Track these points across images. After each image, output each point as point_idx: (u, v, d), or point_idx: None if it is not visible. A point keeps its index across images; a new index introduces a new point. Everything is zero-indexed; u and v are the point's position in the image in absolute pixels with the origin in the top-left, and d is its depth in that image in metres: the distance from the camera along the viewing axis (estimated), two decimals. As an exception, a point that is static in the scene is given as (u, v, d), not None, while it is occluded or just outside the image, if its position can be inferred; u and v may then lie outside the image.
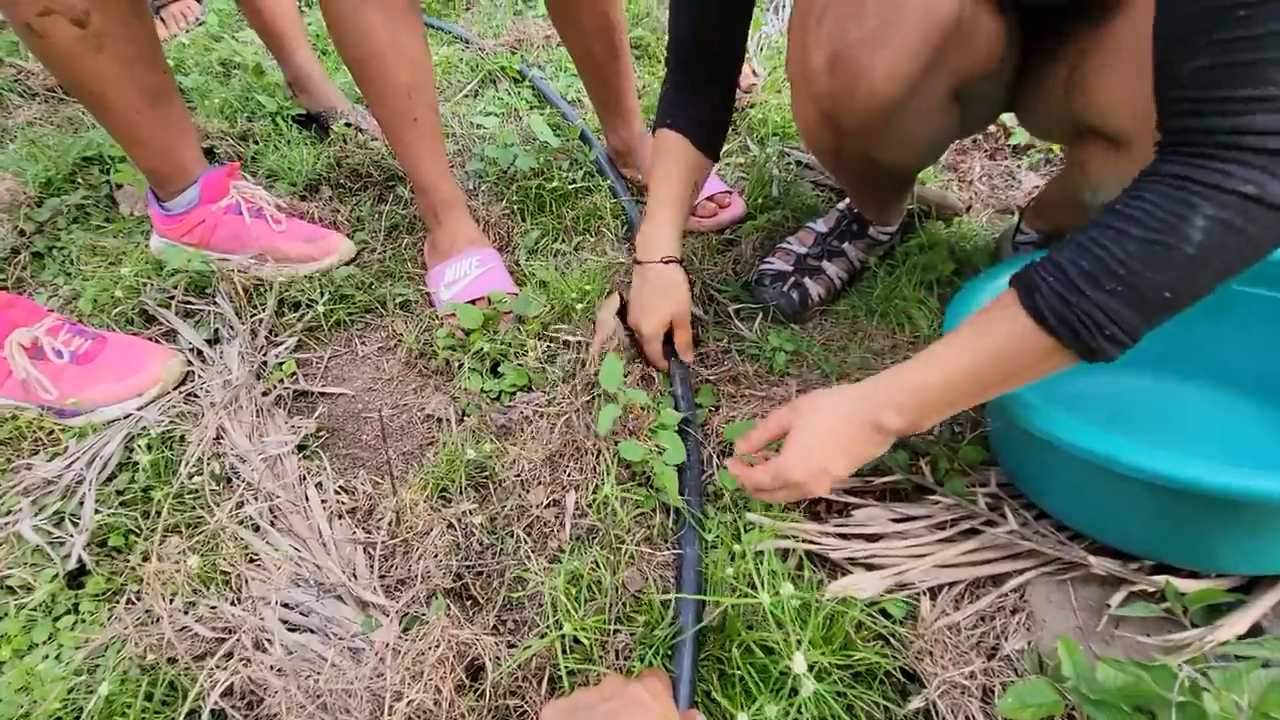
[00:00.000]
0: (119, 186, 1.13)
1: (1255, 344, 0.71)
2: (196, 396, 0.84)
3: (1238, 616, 0.55)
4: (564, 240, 1.05)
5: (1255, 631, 0.55)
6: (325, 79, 1.26)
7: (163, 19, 1.64)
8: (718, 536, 0.66)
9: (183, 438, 0.78)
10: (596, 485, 0.72)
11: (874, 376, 0.56)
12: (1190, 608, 0.56)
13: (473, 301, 0.91)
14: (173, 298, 0.94)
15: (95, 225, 1.09)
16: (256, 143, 1.23)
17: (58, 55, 0.80)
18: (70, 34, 0.78)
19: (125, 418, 0.82)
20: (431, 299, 0.96)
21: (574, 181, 1.11)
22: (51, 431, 0.81)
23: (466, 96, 1.40)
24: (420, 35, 0.87)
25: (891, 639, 0.59)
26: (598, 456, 0.74)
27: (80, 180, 1.15)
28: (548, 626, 0.60)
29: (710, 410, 0.81)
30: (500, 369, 0.86)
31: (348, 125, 1.22)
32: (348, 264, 1.02)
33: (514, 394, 0.83)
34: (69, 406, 0.81)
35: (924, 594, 0.61)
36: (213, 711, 0.57)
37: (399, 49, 0.84)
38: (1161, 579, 0.57)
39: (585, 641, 0.58)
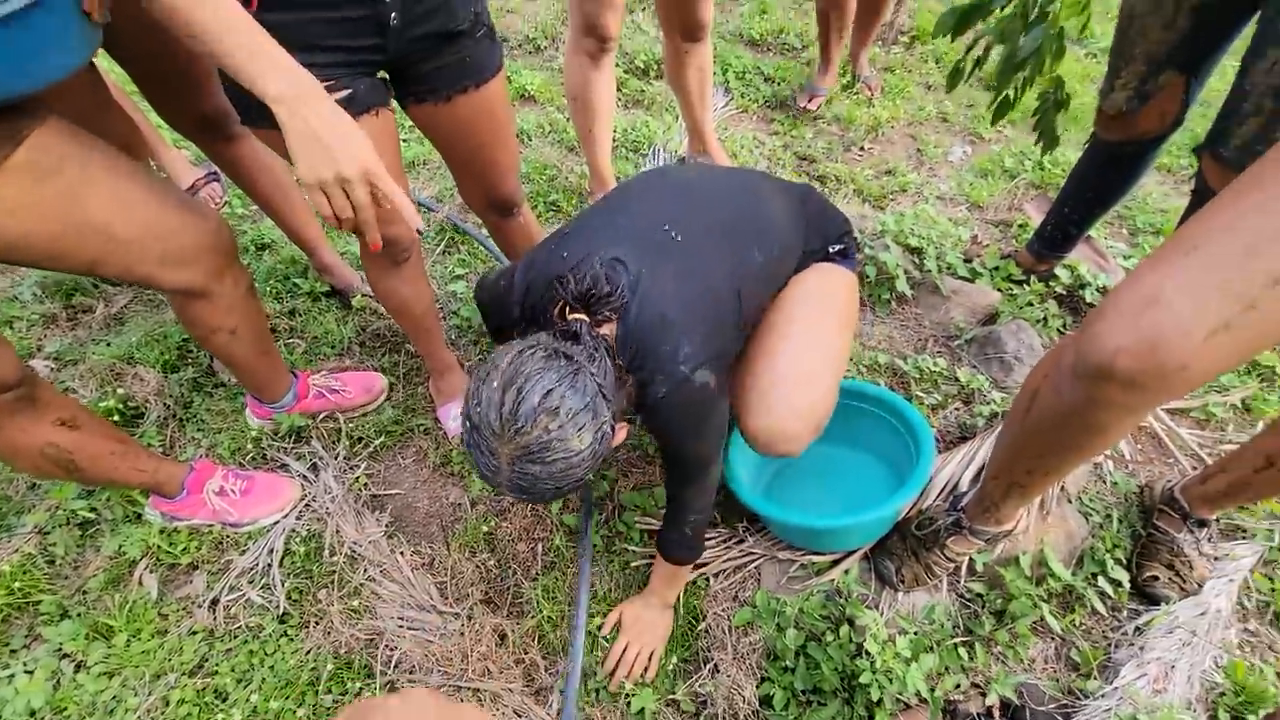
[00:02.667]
0: (211, 358, 1.70)
1: (874, 430, 1.41)
2: (312, 506, 1.45)
3: (836, 571, 1.26)
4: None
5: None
6: (343, 264, 1.84)
7: None
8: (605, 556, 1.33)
9: (318, 534, 1.40)
10: (552, 532, 1.37)
11: (649, 589, 1.21)
12: (817, 568, 1.27)
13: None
14: (283, 445, 1.54)
15: (208, 392, 1.66)
16: (300, 315, 1.81)
17: (200, 338, 1.32)
18: (220, 332, 1.28)
19: (275, 524, 1.42)
20: (442, 426, 1.59)
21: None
22: (230, 539, 1.40)
23: (438, 258, 2.00)
24: (425, 281, 1.48)
25: (697, 586, 1.27)
26: (551, 527, 1.40)
27: (188, 357, 1.71)
28: (535, 611, 1.26)
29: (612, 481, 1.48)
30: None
31: (366, 297, 1.81)
32: (386, 398, 1.63)
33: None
34: (244, 522, 1.41)
35: (718, 575, 1.30)
36: (381, 671, 1.20)
37: (418, 296, 1.44)
38: (807, 558, 1.28)
39: (554, 622, 1.25)
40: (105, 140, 1.00)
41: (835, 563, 1.27)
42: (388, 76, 1.11)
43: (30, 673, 1.21)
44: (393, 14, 0.98)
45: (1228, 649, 1.21)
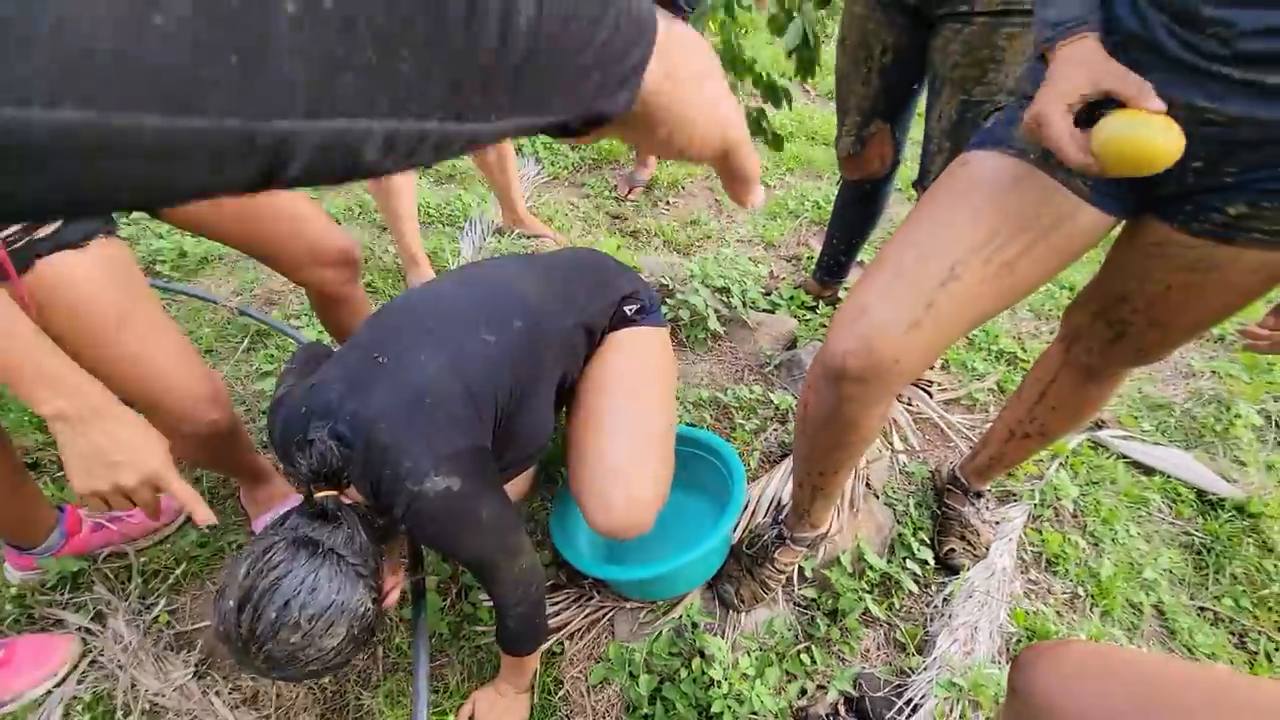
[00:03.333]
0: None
1: (699, 469, 1.48)
2: (98, 662, 1.25)
3: (680, 607, 1.30)
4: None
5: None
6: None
7: None
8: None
9: (107, 694, 1.20)
10: (390, 631, 1.29)
11: (501, 677, 1.16)
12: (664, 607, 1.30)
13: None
14: (54, 599, 1.31)
15: (-53, 552, 1.38)
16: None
17: None
18: None
19: (47, 695, 1.20)
20: (258, 539, 1.45)
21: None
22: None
23: (241, 356, 1.85)
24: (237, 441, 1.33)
25: (553, 653, 1.25)
26: (389, 625, 1.31)
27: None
28: (379, 723, 1.16)
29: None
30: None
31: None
32: (186, 522, 1.45)
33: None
34: (4, 700, 1.17)
35: (573, 636, 1.28)
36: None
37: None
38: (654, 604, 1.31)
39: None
40: None
41: (681, 599, 1.31)
42: None
43: None
44: None
45: (1015, 600, 1.40)
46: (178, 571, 1.37)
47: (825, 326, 1.95)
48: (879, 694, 1.21)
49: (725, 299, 2.03)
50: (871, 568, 1.36)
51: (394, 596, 0.98)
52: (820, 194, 2.64)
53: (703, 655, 1.20)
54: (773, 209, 2.58)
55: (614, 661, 1.20)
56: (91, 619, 1.30)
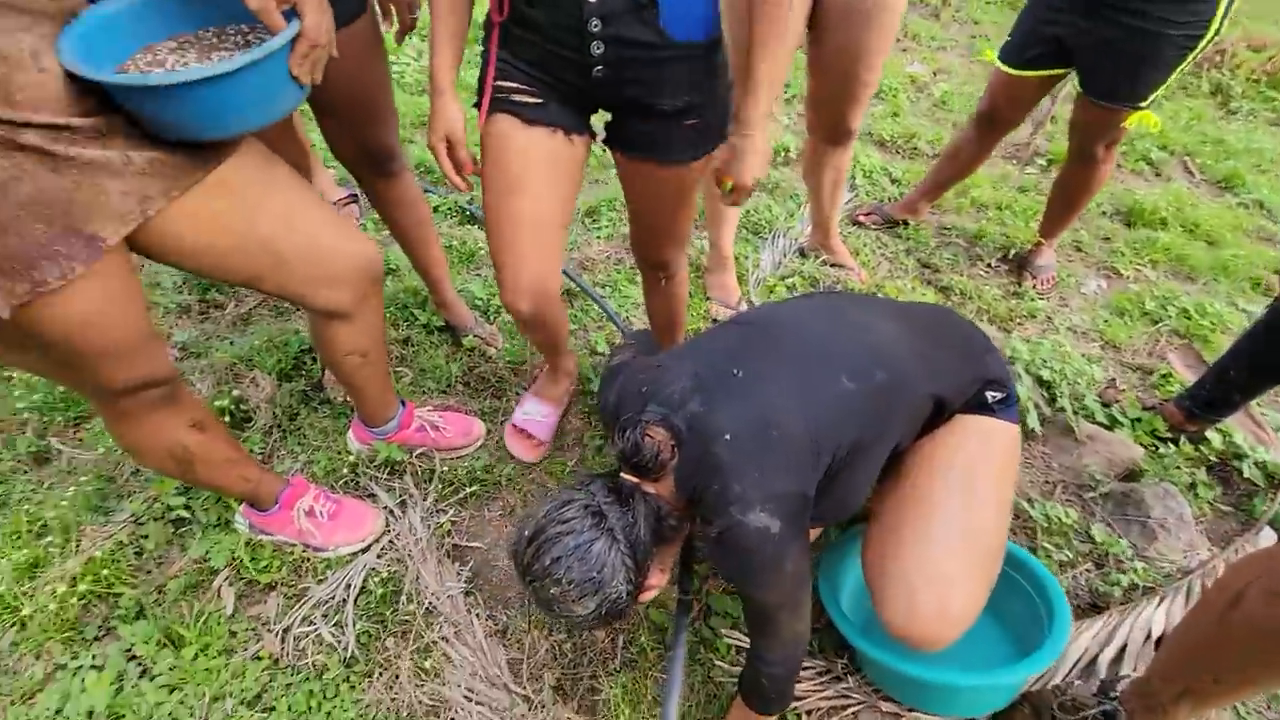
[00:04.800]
0: (323, 372, 1.72)
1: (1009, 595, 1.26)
2: (395, 545, 1.42)
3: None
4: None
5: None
6: (461, 303, 1.86)
7: None
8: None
9: (397, 577, 1.35)
10: (636, 625, 1.29)
11: None
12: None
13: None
14: (376, 475, 1.52)
15: (314, 407, 1.67)
16: (412, 346, 1.83)
17: (330, 359, 1.34)
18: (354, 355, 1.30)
19: (355, 557, 1.38)
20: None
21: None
22: (309, 564, 1.37)
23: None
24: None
25: (784, 735, 1.15)
26: (636, 621, 1.31)
27: (302, 369, 1.74)
28: (610, 713, 1.16)
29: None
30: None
31: (476, 338, 1.82)
32: (481, 445, 1.60)
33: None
34: (326, 547, 1.38)
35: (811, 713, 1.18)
36: (440, 744, 1.13)
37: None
38: (915, 716, 1.14)
39: (628, 723, 1.15)
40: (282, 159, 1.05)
41: (947, 727, 1.14)
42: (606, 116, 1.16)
43: (99, 668, 1.19)
44: (597, 68, 1.02)
45: None
46: (467, 490, 1.51)
47: (1180, 469, 1.58)
48: None
49: (1048, 395, 1.75)
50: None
51: (649, 595, 0.97)
52: (1189, 301, 2.17)
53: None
54: (1120, 302, 2.17)
55: (862, 766, 1.07)
56: (398, 504, 1.48)
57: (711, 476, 0.86)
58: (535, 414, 1.60)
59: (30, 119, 0.75)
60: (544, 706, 1.18)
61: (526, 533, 0.91)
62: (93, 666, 1.20)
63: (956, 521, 1.01)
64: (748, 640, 1.03)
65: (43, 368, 0.94)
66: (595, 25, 0.97)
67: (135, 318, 0.95)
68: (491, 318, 1.94)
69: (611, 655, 1.26)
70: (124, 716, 1.14)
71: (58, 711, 1.14)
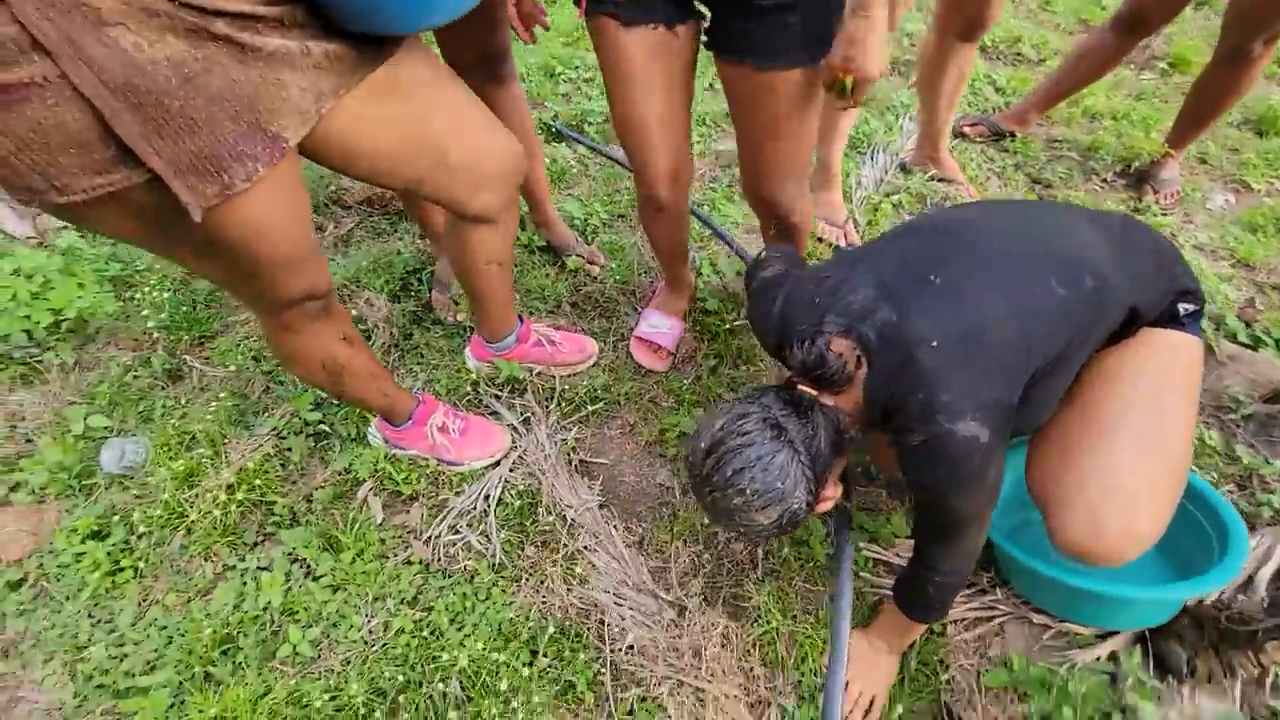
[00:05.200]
0: (430, 293, 1.71)
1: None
2: (524, 460, 1.44)
3: (1102, 648, 1.12)
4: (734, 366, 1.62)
5: (1113, 658, 1.13)
6: (562, 223, 1.82)
7: None
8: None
9: (533, 490, 1.38)
10: (777, 543, 1.30)
11: (876, 629, 1.12)
12: (1079, 641, 1.14)
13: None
14: (497, 393, 1.54)
15: (426, 327, 1.68)
16: (516, 266, 1.80)
17: (469, 268, 1.34)
18: (494, 263, 1.30)
19: (487, 470, 1.41)
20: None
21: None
22: (444, 477, 1.40)
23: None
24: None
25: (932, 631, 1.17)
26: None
27: (410, 290, 1.74)
28: (761, 618, 1.19)
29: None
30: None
31: (579, 258, 1.78)
32: (595, 364, 1.60)
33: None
34: (458, 461, 1.41)
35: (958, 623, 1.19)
36: (609, 647, 1.17)
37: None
38: (1065, 626, 1.15)
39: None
40: None
41: (1101, 638, 1.14)
42: (706, 17, 1.11)
43: (266, 569, 1.26)
44: None
45: None
46: (588, 409, 1.52)
47: (1331, 389, 1.50)
48: None
49: (1182, 314, 1.66)
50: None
51: (825, 506, 0.97)
52: (1331, 216, 2.02)
53: (1123, 713, 1.03)
54: (1252, 218, 2.03)
55: (1019, 674, 1.08)
56: (521, 421, 1.50)
57: (915, 385, 0.83)
58: (661, 326, 1.58)
59: (223, 7, 0.72)
60: (692, 612, 1.21)
61: (703, 445, 0.90)
62: (260, 568, 1.27)
63: (1144, 437, 0.97)
64: (911, 549, 1.03)
65: (225, 278, 0.93)
66: None
67: (306, 227, 0.94)
68: (590, 239, 1.90)
69: (752, 566, 1.28)
70: (297, 612, 1.21)
71: (235, 606, 1.21)
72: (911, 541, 1.03)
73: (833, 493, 0.97)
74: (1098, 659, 1.11)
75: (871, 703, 1.11)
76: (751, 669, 1.15)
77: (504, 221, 1.17)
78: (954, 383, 0.82)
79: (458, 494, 1.38)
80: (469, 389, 1.53)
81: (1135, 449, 0.97)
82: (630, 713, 1.10)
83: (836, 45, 1.01)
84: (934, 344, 0.82)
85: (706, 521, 1.32)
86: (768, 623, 1.17)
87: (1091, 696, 1.02)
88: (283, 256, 0.91)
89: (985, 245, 0.94)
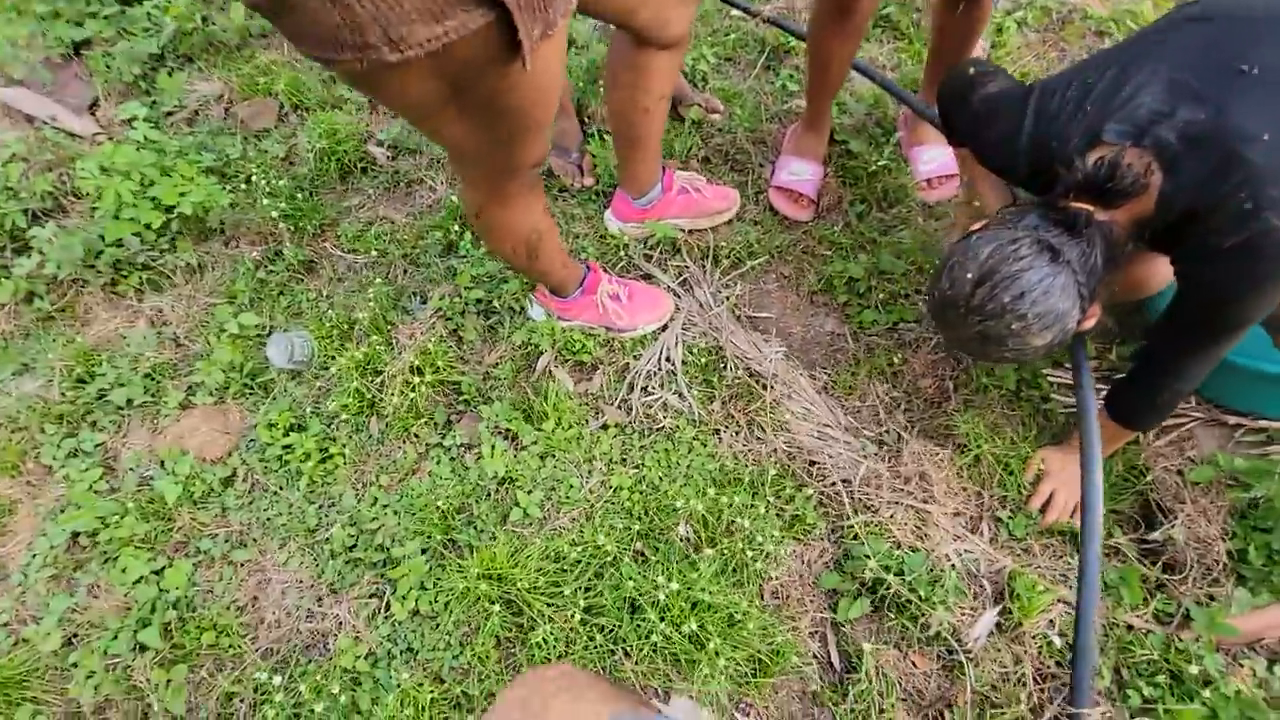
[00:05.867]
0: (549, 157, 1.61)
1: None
2: (695, 321, 1.43)
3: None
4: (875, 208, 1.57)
5: (1304, 448, 1.20)
6: (676, 69, 1.68)
7: None
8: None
9: (714, 347, 1.38)
10: (970, 373, 1.33)
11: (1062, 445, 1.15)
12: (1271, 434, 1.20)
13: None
14: (648, 254, 1.49)
15: (554, 195, 1.60)
16: (632, 123, 1.69)
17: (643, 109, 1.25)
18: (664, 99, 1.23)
19: (661, 332, 1.40)
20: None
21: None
22: (617, 343, 1.40)
23: (760, 72, 1.81)
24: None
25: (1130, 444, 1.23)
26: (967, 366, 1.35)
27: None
28: (970, 444, 1.24)
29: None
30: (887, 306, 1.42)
31: (699, 108, 1.67)
32: (740, 218, 1.55)
33: (897, 325, 1.41)
34: (630, 328, 1.40)
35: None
36: (821, 479, 1.22)
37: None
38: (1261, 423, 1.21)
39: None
40: None
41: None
42: None
43: (468, 446, 1.28)
44: None
45: None
46: (746, 265, 1.49)
47: None
48: None
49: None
50: None
51: (1090, 324, 0.96)
52: None
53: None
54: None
55: (1224, 466, 1.15)
56: (679, 283, 1.47)
57: (1239, 184, 0.79)
58: (802, 172, 1.52)
59: None
60: (899, 443, 1.26)
61: (970, 275, 0.89)
62: (462, 445, 1.29)
63: None
64: (1135, 364, 1.05)
65: (480, 146, 0.87)
66: None
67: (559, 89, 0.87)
68: (700, 86, 1.77)
69: (943, 399, 1.31)
70: (517, 479, 1.24)
71: (460, 479, 1.24)
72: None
73: (1096, 310, 0.97)
74: (1295, 450, 1.18)
75: (1076, 509, 1.19)
76: (964, 488, 1.22)
77: (681, 49, 1.13)
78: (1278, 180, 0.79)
79: (636, 358, 1.38)
80: (620, 254, 1.49)
81: None
82: (856, 537, 1.17)
83: None
84: (1265, 137, 0.78)
85: (948, 348, 1.34)
86: (977, 447, 1.22)
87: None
88: (548, 118, 0.88)
89: None
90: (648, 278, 1.49)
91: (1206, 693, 1.01)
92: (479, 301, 1.42)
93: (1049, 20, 1.87)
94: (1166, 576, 1.13)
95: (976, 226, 0.98)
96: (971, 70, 1.10)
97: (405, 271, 1.50)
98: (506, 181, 0.98)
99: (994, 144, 1.03)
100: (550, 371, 1.35)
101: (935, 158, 1.56)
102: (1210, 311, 0.92)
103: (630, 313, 1.39)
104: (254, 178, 1.59)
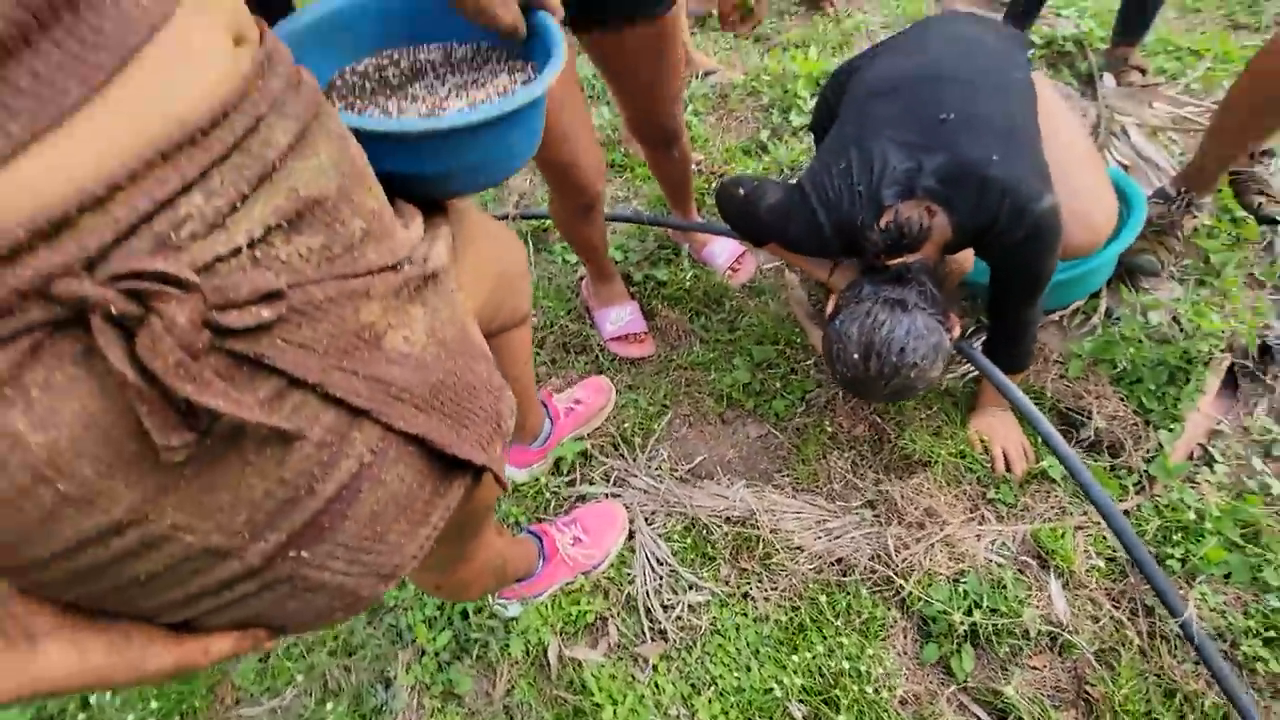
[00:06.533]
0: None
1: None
2: (652, 510, 1.40)
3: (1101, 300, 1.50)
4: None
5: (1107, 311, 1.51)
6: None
7: None
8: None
9: (690, 522, 1.36)
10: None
11: (984, 404, 1.37)
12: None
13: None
14: (572, 480, 1.44)
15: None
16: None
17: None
18: None
19: (628, 544, 1.36)
20: (599, 329, 1.63)
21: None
22: (590, 587, 1.32)
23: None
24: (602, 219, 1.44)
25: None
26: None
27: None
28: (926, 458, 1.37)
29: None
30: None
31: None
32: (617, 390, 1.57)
33: (804, 397, 1.51)
34: (604, 559, 1.33)
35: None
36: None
37: (601, 235, 1.45)
38: (1069, 311, 1.51)
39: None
40: None
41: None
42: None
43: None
44: None
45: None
46: (655, 428, 1.51)
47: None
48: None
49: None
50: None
51: (957, 332, 1.14)
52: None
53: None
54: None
55: (1081, 354, 1.41)
56: (611, 484, 1.44)
57: (998, 198, 1.00)
58: (622, 317, 1.62)
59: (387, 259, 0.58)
60: (882, 495, 1.34)
61: (855, 354, 1.03)
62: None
63: (1086, 150, 1.26)
64: (992, 334, 1.26)
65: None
66: None
67: None
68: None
69: (882, 434, 1.44)
70: (621, 793, 1.09)
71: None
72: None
73: (956, 320, 1.14)
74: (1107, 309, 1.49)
75: (1026, 448, 1.37)
76: (953, 493, 1.33)
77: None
78: (1022, 175, 1.01)
79: (631, 581, 1.31)
80: (545, 495, 1.42)
81: (1086, 160, 1.26)
82: (921, 599, 1.22)
83: None
84: (995, 157, 1.00)
85: (870, 408, 1.46)
86: (935, 455, 1.35)
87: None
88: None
89: (954, 71, 1.12)
90: (583, 499, 1.43)
91: (1208, 524, 1.21)
92: (453, 642, 1.25)
93: (714, 100, 2.20)
94: (1114, 460, 1.34)
95: (830, 311, 1.13)
96: (741, 191, 1.26)
97: (347, 671, 1.27)
98: (460, 565, 0.89)
99: (802, 238, 1.17)
100: (565, 657, 1.23)
101: (723, 250, 1.74)
102: (1028, 279, 1.13)
103: (596, 543, 1.33)
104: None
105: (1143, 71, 2.00)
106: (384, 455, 0.47)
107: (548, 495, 1.42)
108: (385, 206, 0.54)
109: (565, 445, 1.44)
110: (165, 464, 0.38)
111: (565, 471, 1.45)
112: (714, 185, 1.93)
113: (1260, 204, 1.65)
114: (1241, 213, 1.64)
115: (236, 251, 0.39)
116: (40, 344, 0.34)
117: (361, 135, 0.51)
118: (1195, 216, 1.47)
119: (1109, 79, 2.00)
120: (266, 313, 0.40)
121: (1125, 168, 1.74)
